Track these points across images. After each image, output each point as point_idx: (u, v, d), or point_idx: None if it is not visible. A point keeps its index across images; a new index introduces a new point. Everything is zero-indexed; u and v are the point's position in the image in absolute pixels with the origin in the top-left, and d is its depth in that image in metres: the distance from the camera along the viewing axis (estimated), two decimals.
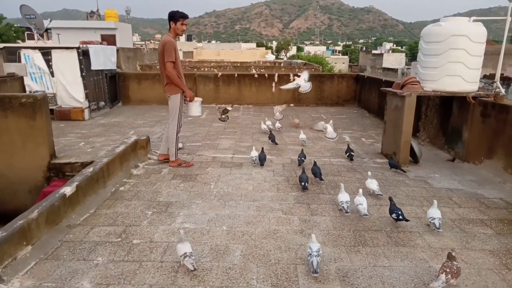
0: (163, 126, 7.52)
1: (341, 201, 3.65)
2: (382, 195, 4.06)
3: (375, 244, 3.10)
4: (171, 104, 4.88)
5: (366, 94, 10.08)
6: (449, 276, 2.40)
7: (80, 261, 2.81)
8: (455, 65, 4.91)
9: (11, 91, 7.80)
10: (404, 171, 4.92)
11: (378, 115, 8.93)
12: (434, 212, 3.34)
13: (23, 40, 20.54)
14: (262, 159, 5.13)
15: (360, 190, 3.66)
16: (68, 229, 3.26)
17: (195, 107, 5.13)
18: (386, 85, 8.38)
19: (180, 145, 5.83)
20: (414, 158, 5.36)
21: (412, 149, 5.28)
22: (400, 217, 3.37)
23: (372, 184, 4.10)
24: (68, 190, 3.45)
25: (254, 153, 5.19)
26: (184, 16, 4.75)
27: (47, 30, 23.68)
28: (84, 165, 5.22)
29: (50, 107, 8.14)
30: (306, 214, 3.67)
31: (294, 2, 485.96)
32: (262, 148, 5.31)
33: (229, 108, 7.84)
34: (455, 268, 2.43)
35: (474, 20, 4.92)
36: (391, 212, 3.45)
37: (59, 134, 6.85)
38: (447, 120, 5.80)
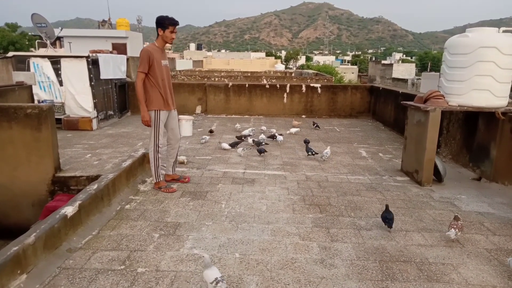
0: None
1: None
2: None
3: (405, 279, 2.78)
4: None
5: (381, 106, 9.76)
6: (457, 230, 3.34)
7: None
8: (483, 79, 4.60)
9: (20, 100, 7.68)
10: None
11: (394, 128, 8.61)
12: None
13: (37, 49, 20.71)
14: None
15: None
16: (69, 254, 3.01)
17: (186, 126, 4.76)
18: (403, 97, 8.09)
19: (183, 158, 5.58)
20: (438, 177, 5.03)
21: (435, 167, 4.96)
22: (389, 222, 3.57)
23: None
24: (69, 210, 3.21)
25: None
26: (174, 23, 4.19)
27: (59, 38, 24.00)
28: (90, 179, 5.00)
29: (58, 117, 8.06)
30: (325, 240, 3.37)
31: (304, 12, 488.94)
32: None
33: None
34: (460, 224, 3.38)
35: (504, 31, 4.63)
36: (383, 219, 3.63)
37: (66, 144, 6.66)
38: (472, 136, 5.47)
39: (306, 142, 6.57)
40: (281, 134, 7.26)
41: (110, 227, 3.52)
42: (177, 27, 4.31)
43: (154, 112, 4.31)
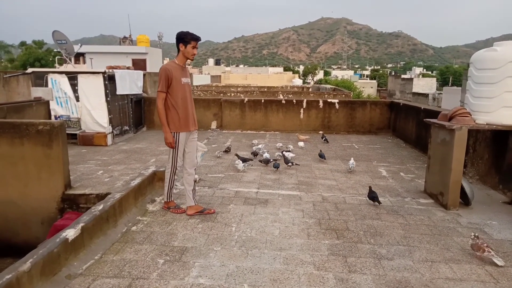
0: None
1: None
2: None
3: None
4: None
5: (402, 122, 9.41)
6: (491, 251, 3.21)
7: None
8: None
9: (37, 116, 7.76)
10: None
11: (416, 146, 8.24)
12: None
13: (61, 64, 21.32)
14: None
15: None
16: (67, 281, 2.84)
17: (200, 157, 4.50)
18: (425, 114, 7.76)
19: (196, 177, 5.39)
20: (465, 200, 4.68)
21: (462, 189, 4.62)
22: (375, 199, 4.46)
23: None
24: (71, 233, 3.06)
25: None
26: (196, 39, 4.03)
27: (83, 54, 24.68)
28: (99, 197, 4.89)
29: (74, 132, 8.11)
30: (343, 270, 3.09)
31: (322, 27, 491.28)
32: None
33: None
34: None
35: None
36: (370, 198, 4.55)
37: (79, 160, 6.62)
38: (502, 156, 5.11)
39: (321, 156, 6.91)
40: (288, 151, 7.10)
41: (114, 251, 3.35)
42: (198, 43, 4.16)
43: (173, 135, 4.12)
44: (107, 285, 2.81)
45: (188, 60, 4.30)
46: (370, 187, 4.72)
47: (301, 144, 8.04)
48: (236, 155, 6.44)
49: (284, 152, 6.74)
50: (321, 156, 6.92)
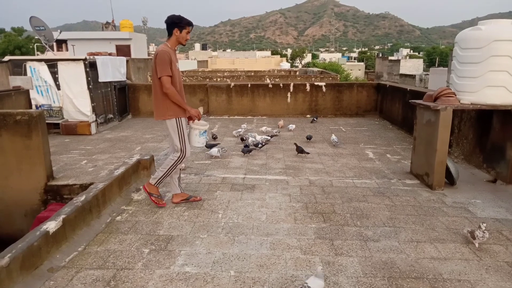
0: None
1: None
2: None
3: None
4: (169, 129, 3.94)
5: (389, 104, 9.43)
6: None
7: None
8: (498, 75, 4.28)
9: (16, 106, 7.53)
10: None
11: (402, 127, 8.28)
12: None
13: (42, 52, 20.69)
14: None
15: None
16: (50, 274, 2.78)
17: (199, 136, 4.15)
18: (411, 95, 7.77)
19: (183, 165, 5.31)
20: (450, 180, 4.72)
21: (447, 169, 4.65)
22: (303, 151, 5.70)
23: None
24: (52, 226, 2.98)
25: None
26: (191, 24, 3.92)
27: (65, 41, 23.99)
28: (83, 187, 4.80)
29: (56, 121, 7.91)
30: (329, 253, 3.10)
31: (309, 9, 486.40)
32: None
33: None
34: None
35: None
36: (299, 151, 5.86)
37: (63, 150, 6.48)
38: (486, 135, 5.14)
39: (308, 137, 7.17)
40: (275, 135, 7.34)
41: (98, 242, 3.29)
42: None
43: (174, 121, 3.89)
44: (91, 276, 2.76)
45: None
46: (295, 144, 6.12)
47: (291, 127, 8.11)
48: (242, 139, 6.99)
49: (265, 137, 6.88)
50: (308, 138, 7.14)
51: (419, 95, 6.23)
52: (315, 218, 3.77)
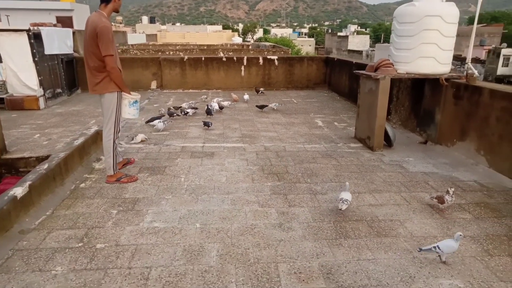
0: None
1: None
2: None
3: (357, 236, 2.98)
4: (107, 103, 3.81)
5: (337, 77, 9.99)
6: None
7: (36, 272, 2.49)
8: (429, 47, 4.84)
9: None
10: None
11: (349, 98, 8.88)
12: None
13: None
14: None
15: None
16: (21, 235, 2.90)
17: (129, 107, 3.94)
18: (356, 67, 8.31)
19: (143, 136, 5.43)
20: (388, 142, 5.31)
21: (386, 133, 5.22)
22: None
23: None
24: (19, 191, 3.07)
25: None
26: None
27: None
28: (40, 159, 4.77)
29: (0, 96, 7.53)
30: (283, 206, 3.49)
31: None
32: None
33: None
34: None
35: (446, 0, 4.84)
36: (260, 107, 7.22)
37: (11, 125, 6.26)
38: (419, 102, 5.78)
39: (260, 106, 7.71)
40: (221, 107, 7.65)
41: (65, 206, 3.42)
42: None
43: (116, 94, 3.80)
44: (63, 235, 2.93)
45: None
46: (256, 105, 7.59)
47: (246, 97, 8.43)
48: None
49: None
50: (261, 107, 7.65)
51: (363, 67, 6.73)
52: (271, 178, 4.15)
